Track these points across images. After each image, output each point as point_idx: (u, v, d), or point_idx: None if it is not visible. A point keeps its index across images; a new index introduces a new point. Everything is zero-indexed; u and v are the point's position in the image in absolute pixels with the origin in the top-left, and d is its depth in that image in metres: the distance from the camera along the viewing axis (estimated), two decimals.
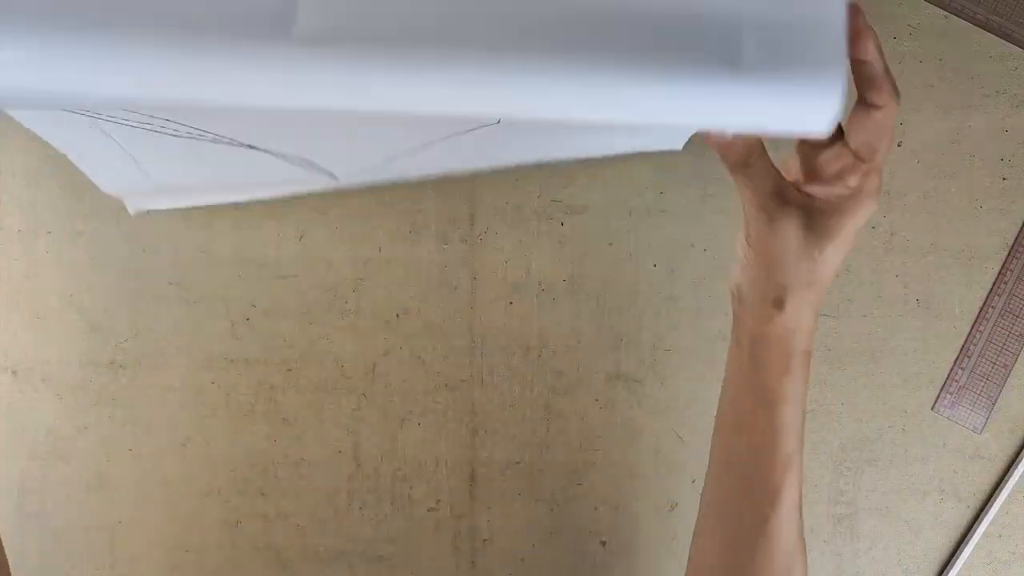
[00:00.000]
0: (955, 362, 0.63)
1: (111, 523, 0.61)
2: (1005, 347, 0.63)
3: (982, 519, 0.62)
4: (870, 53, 0.40)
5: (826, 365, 0.63)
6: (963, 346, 0.63)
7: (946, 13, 0.64)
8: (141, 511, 0.61)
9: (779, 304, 0.45)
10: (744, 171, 0.44)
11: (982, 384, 0.63)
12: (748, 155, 0.43)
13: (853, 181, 0.43)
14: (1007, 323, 0.63)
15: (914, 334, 0.63)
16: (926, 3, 0.64)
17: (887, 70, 0.42)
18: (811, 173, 0.44)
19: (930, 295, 0.63)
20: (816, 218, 0.44)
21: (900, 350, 0.63)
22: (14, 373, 0.62)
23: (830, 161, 0.43)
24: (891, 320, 0.63)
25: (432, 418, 0.63)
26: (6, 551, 0.51)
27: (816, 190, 0.44)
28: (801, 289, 0.45)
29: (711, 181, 0.64)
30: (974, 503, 0.63)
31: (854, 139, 0.42)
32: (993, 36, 0.64)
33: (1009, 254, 0.64)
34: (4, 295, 0.62)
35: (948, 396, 0.63)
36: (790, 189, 0.45)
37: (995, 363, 0.63)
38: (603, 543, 0.62)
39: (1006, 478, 0.62)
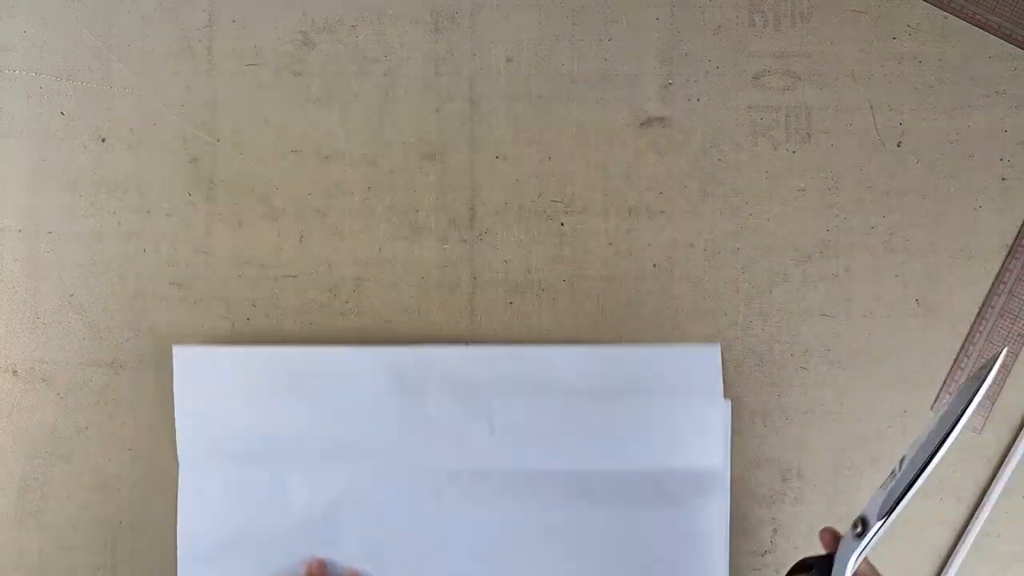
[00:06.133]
0: (955, 362, 0.63)
1: (111, 523, 0.61)
2: (1005, 347, 0.63)
3: (980, 518, 0.62)
4: None
5: (826, 365, 0.63)
6: (963, 346, 0.63)
7: (946, 13, 0.64)
8: (141, 511, 0.61)
9: None
10: None
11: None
12: None
13: None
14: (1006, 323, 0.63)
15: (914, 334, 0.63)
16: (926, 3, 0.64)
17: None
18: None
19: (930, 295, 0.63)
20: None
21: (900, 350, 0.63)
22: (14, 373, 0.62)
23: None
24: (891, 320, 0.63)
25: None
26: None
27: None
28: None
29: (711, 181, 0.64)
30: (973, 503, 0.63)
31: None
32: (993, 36, 0.64)
33: (1009, 254, 0.64)
34: (4, 295, 0.62)
35: (948, 396, 0.63)
36: None
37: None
38: None
39: (1004, 478, 0.62)
